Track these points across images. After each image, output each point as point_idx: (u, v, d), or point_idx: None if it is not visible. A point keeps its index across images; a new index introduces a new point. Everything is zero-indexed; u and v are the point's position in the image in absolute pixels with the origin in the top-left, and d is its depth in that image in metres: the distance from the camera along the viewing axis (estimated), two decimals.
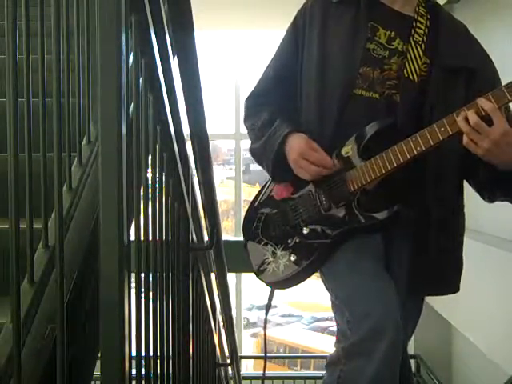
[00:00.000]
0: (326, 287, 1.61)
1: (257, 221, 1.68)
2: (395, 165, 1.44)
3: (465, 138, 1.36)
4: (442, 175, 1.54)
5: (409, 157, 1.42)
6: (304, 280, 1.61)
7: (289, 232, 1.59)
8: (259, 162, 1.69)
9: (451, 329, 5.49)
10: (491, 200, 1.58)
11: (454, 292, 1.65)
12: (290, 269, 1.57)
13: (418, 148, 1.41)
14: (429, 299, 5.05)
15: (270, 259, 1.61)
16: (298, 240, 1.57)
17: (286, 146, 1.55)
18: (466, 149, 1.40)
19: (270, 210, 1.66)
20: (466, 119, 1.35)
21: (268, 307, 1.78)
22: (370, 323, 1.38)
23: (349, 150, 1.51)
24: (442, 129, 1.38)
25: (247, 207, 1.76)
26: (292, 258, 1.57)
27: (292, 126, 1.57)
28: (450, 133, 1.38)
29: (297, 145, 1.54)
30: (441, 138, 1.39)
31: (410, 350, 5.83)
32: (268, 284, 1.66)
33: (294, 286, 1.63)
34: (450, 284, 1.64)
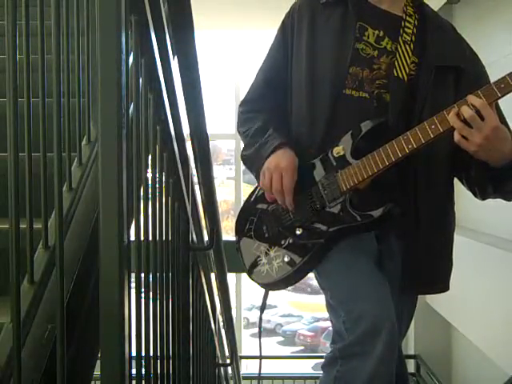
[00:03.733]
0: (321, 287, 1.62)
1: (249, 222, 1.68)
2: (387, 164, 1.44)
3: (456, 135, 1.36)
4: (433, 173, 1.54)
5: (400, 155, 1.42)
6: (298, 281, 1.60)
7: (282, 233, 1.59)
8: (249, 169, 1.69)
9: (451, 329, 5.49)
10: (483, 197, 1.58)
11: (445, 290, 1.64)
12: (284, 270, 1.57)
13: (410, 146, 1.41)
14: (429, 299, 5.06)
15: (264, 260, 1.61)
16: (291, 241, 1.57)
17: (273, 155, 1.55)
18: (457, 146, 1.41)
19: (263, 211, 1.66)
20: (458, 115, 1.35)
21: (263, 308, 1.78)
22: (366, 324, 1.38)
23: (340, 150, 1.52)
24: (433, 126, 1.39)
25: (240, 208, 1.76)
26: (286, 259, 1.57)
27: (283, 138, 1.57)
28: (441, 130, 1.38)
29: (280, 159, 1.54)
30: (432, 136, 1.39)
31: (410, 350, 5.83)
32: (262, 285, 1.66)
33: (288, 286, 1.63)
34: (441, 282, 1.64)
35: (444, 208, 1.61)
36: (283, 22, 1.67)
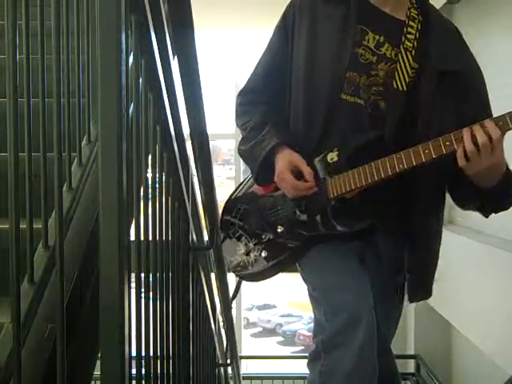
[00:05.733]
0: (304, 279, 1.63)
1: (235, 212, 1.69)
2: (376, 179, 1.43)
3: (460, 153, 1.35)
4: (421, 189, 1.53)
5: (390, 173, 1.42)
6: (273, 276, 1.63)
7: (264, 227, 1.60)
8: (246, 163, 1.70)
9: (451, 329, 5.48)
10: (462, 207, 1.61)
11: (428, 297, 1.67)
12: (260, 264, 1.59)
13: (401, 166, 1.40)
14: (429, 299, 5.05)
15: (242, 251, 1.63)
16: (271, 237, 1.59)
17: (275, 156, 1.56)
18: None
19: (249, 203, 1.68)
20: (474, 137, 1.33)
21: (234, 297, 1.82)
22: (346, 314, 1.40)
23: (334, 156, 1.51)
24: (427, 151, 1.37)
25: (226, 198, 1.77)
26: (263, 254, 1.58)
27: (280, 135, 1.56)
28: (434, 156, 1.36)
29: (278, 164, 1.55)
30: (423, 160, 1.38)
31: (410, 350, 5.83)
32: (237, 275, 1.68)
33: (262, 280, 1.65)
34: (430, 289, 1.66)
35: (435, 219, 1.61)
36: (284, 14, 1.64)
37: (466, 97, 1.48)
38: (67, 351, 0.87)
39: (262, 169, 1.59)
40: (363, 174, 1.45)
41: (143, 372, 1.13)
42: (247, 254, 1.61)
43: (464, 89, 1.50)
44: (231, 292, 2.88)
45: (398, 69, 1.50)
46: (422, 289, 1.63)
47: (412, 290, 1.58)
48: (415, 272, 1.57)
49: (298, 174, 1.53)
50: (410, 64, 1.50)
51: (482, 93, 1.56)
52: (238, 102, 1.73)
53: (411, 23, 1.53)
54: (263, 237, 1.60)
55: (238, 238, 1.65)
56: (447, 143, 1.35)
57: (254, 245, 1.61)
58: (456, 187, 1.56)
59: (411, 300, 1.61)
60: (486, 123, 1.33)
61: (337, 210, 1.50)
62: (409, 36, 1.52)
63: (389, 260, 1.57)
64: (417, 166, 1.39)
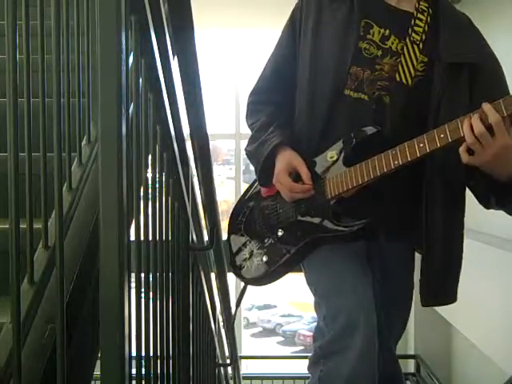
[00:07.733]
0: (308, 282, 1.62)
1: (242, 215, 1.69)
2: (372, 176, 1.40)
3: (462, 147, 1.30)
4: (435, 189, 1.48)
5: (385, 170, 1.38)
6: (277, 279, 1.62)
7: (266, 232, 1.60)
8: (251, 163, 1.70)
9: (451, 329, 5.48)
10: (486, 207, 1.53)
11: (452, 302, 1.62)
12: (261, 269, 1.58)
13: (396, 162, 1.36)
14: None
15: (246, 255, 1.62)
16: (272, 241, 1.57)
17: (276, 156, 1.55)
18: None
19: (255, 205, 1.67)
20: (471, 127, 1.26)
21: (239, 302, 1.81)
22: (343, 319, 1.39)
23: (334, 154, 1.49)
24: (421, 145, 1.32)
25: (237, 201, 1.77)
26: (264, 259, 1.57)
27: (283, 136, 1.55)
28: (428, 150, 1.32)
29: (278, 164, 1.54)
30: (418, 155, 1.33)
31: (410, 349, 5.83)
32: (241, 280, 1.67)
33: (267, 284, 1.64)
34: (449, 292, 1.63)
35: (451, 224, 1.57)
36: (292, 14, 1.63)
37: (483, 89, 1.43)
38: (67, 351, 0.87)
39: (263, 169, 1.58)
40: (359, 173, 1.42)
41: (143, 372, 1.13)
42: (251, 259, 1.61)
43: (480, 81, 1.45)
44: (231, 292, 2.88)
45: (403, 61, 1.47)
46: (435, 293, 1.56)
47: (422, 293, 1.53)
48: (427, 275, 1.52)
49: (297, 176, 1.52)
50: (416, 57, 1.46)
51: (499, 84, 1.50)
52: (248, 102, 1.72)
53: (420, 16, 1.49)
54: (265, 241, 1.59)
55: (244, 242, 1.65)
56: (441, 135, 1.30)
57: (258, 249, 1.60)
58: (470, 184, 1.49)
59: (423, 304, 1.54)
60: (483, 106, 1.27)
61: (336, 210, 1.49)
62: (416, 29, 1.48)
63: (395, 261, 1.56)
64: (412, 161, 1.35)
